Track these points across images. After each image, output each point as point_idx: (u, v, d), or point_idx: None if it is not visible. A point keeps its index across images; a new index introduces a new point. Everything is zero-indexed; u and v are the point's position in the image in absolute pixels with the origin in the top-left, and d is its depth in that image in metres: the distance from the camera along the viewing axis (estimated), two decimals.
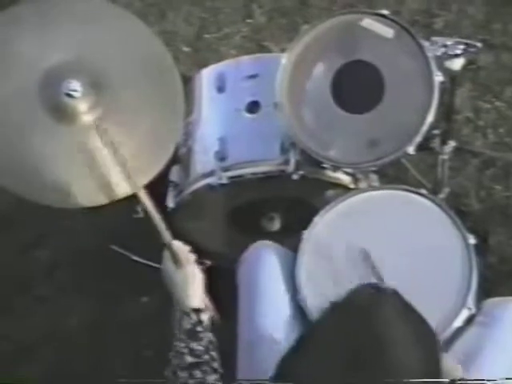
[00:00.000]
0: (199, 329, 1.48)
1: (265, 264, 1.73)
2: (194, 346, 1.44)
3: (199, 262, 1.64)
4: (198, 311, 1.51)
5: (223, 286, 1.76)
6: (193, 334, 1.46)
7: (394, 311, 1.14)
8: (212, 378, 1.39)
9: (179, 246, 1.61)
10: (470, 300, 1.62)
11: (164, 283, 1.60)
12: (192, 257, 1.62)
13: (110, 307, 2.43)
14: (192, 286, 1.55)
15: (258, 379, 1.43)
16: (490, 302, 1.68)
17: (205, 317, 1.51)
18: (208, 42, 2.87)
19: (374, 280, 1.60)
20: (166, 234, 1.63)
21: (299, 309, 1.68)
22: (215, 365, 1.42)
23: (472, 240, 1.69)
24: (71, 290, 2.48)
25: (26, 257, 2.55)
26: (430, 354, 1.12)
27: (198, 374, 1.39)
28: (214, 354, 1.45)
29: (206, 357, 1.42)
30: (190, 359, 1.41)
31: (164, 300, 1.64)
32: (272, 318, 1.66)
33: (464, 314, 1.61)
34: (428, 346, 1.13)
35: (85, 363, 2.34)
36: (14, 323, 2.46)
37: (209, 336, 1.48)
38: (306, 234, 1.77)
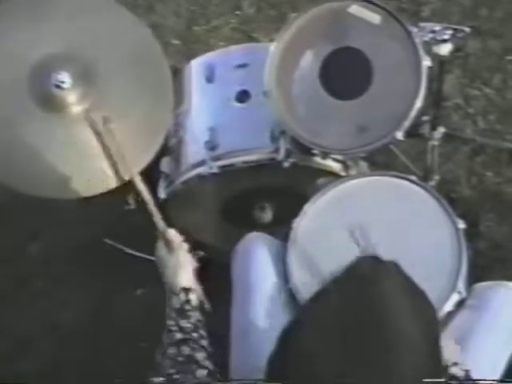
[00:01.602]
0: (187, 307, 1.51)
1: (256, 255, 1.74)
2: (183, 323, 1.46)
3: (192, 251, 1.65)
4: (186, 290, 1.54)
5: (215, 275, 1.76)
6: (182, 312, 1.49)
7: (394, 282, 1.13)
8: (200, 355, 1.40)
9: (173, 234, 1.63)
10: (461, 284, 1.62)
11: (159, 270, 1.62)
12: (185, 245, 1.64)
13: (104, 300, 2.44)
14: (183, 269, 1.58)
15: (250, 379, 1.42)
16: (480, 286, 1.69)
17: (193, 296, 1.54)
18: (197, 34, 2.87)
19: None
20: (161, 222, 1.64)
21: (291, 297, 1.68)
22: (203, 343, 1.43)
23: (461, 225, 1.69)
24: (66, 284, 2.48)
25: (21, 251, 2.55)
26: (430, 329, 1.11)
27: (186, 350, 1.40)
28: (202, 332, 1.46)
29: (195, 334, 1.44)
30: (179, 336, 1.43)
31: (159, 292, 1.65)
32: (265, 307, 1.66)
33: (454, 298, 1.61)
34: (428, 320, 1.12)
35: (81, 356, 2.34)
36: (11, 317, 2.46)
37: (197, 315, 1.50)
38: (295, 222, 1.77)
